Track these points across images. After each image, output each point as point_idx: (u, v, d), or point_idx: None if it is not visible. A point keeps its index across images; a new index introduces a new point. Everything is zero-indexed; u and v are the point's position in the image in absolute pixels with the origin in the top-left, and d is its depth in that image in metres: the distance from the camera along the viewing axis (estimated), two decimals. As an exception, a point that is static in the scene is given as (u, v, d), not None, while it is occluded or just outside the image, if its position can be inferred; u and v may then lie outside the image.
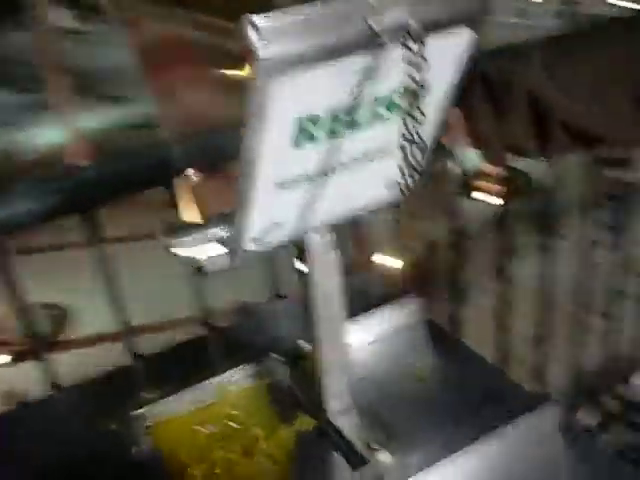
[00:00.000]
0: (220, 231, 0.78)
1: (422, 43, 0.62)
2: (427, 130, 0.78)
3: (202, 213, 0.89)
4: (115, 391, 1.20)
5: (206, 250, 0.78)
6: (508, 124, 0.88)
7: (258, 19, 0.56)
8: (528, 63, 0.90)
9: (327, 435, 0.99)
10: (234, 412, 1.06)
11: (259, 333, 1.30)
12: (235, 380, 1.11)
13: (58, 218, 1.11)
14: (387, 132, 0.76)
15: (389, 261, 2.45)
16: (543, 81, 0.87)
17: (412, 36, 0.61)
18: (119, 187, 1.14)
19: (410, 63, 0.63)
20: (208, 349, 1.30)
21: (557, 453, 0.99)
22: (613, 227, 2.31)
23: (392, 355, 1.10)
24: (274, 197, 0.74)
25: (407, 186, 0.86)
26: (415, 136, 0.68)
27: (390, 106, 0.72)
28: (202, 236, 0.78)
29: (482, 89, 0.88)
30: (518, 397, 1.08)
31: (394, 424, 0.99)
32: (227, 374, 1.11)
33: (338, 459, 0.96)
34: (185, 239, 0.77)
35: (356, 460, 0.93)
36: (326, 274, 0.90)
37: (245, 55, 0.58)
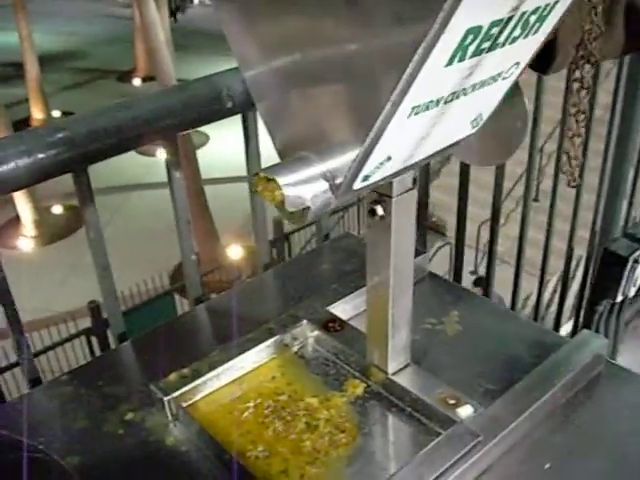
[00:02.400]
0: (325, 168, 0.69)
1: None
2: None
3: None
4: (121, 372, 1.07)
5: (311, 189, 0.69)
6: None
7: None
8: None
9: (391, 397, 0.94)
10: (274, 384, 0.97)
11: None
12: (261, 350, 1.01)
13: (50, 177, 0.96)
14: (511, 55, 0.71)
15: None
16: None
17: None
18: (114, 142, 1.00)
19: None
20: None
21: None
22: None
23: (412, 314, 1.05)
24: (403, 125, 0.66)
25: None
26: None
27: (524, 25, 0.67)
28: (307, 173, 0.69)
29: None
30: (550, 338, 1.07)
31: (449, 381, 0.95)
32: (249, 344, 1.01)
33: (410, 421, 0.91)
34: (289, 176, 0.68)
35: (442, 419, 0.87)
36: (405, 217, 0.84)
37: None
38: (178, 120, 1.06)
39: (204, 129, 12.00)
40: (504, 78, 0.76)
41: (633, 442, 0.91)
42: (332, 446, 0.87)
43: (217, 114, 1.10)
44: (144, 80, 15.49)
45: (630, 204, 2.67)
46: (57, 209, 10.02)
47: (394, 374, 0.94)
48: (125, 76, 15.24)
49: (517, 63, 0.76)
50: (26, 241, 10.11)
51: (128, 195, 11.06)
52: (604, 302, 2.53)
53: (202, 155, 9.97)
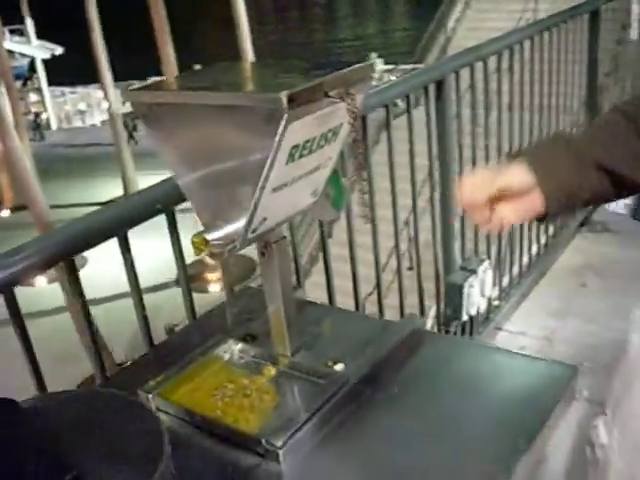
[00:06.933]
0: (232, 228, 1.26)
1: (354, 102, 1.19)
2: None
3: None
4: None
5: (225, 241, 1.25)
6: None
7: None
8: None
9: (293, 371, 1.48)
10: (219, 380, 1.48)
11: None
12: (206, 361, 1.53)
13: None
14: (324, 155, 1.31)
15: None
16: None
17: (352, 99, 1.18)
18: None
19: (350, 112, 1.19)
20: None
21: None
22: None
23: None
24: (269, 198, 1.24)
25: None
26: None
27: (324, 139, 1.27)
28: (223, 232, 1.25)
29: None
30: (382, 324, 1.64)
31: (328, 355, 1.50)
32: (198, 358, 1.53)
33: (307, 382, 1.44)
34: (214, 234, 1.24)
35: (326, 375, 1.42)
36: (283, 255, 1.41)
37: (279, 116, 1.10)
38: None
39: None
40: (324, 167, 1.36)
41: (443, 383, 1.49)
42: (262, 402, 1.40)
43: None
44: (12, 210, 15.55)
45: (462, 244, 3.38)
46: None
47: (293, 355, 1.49)
48: (-8, 210, 15.30)
49: (330, 158, 1.36)
50: None
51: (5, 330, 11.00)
52: (454, 323, 3.18)
53: (83, 277, 10.16)
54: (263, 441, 1.26)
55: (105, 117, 23.08)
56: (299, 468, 1.26)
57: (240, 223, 1.25)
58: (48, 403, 1.06)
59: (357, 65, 1.23)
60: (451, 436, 1.32)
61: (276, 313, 1.47)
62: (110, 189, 19.40)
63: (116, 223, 1.63)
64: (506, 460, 1.23)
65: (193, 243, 1.25)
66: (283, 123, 1.11)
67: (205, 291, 13.21)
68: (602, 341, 3.44)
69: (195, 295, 2.07)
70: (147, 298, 1.83)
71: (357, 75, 1.22)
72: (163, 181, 1.69)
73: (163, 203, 1.69)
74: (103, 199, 18.65)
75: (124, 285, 1.75)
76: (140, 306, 1.75)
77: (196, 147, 1.27)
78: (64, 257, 1.55)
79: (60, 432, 0.96)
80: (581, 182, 1.23)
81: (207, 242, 1.23)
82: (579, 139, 1.30)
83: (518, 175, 1.22)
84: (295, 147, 1.20)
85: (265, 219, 1.29)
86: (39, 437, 0.93)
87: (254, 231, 1.28)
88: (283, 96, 1.08)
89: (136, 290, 1.75)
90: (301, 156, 1.24)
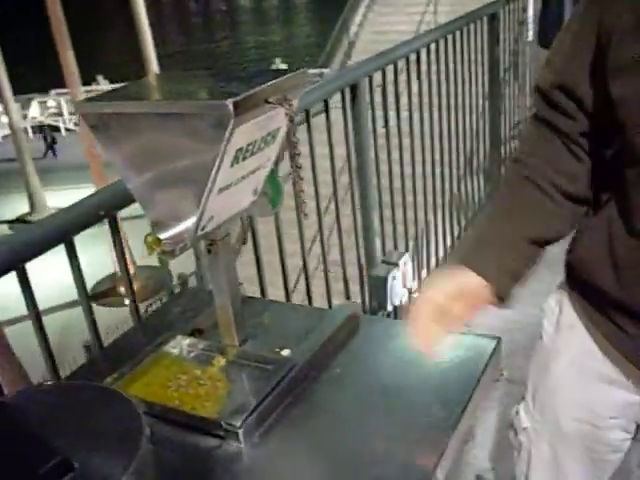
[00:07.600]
0: (183, 227, 1.35)
1: (292, 107, 1.30)
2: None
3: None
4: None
5: (176, 239, 1.34)
6: None
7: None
8: None
9: (241, 360, 1.58)
10: (172, 372, 1.57)
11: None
12: (158, 356, 1.61)
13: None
14: (264, 156, 1.42)
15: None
16: None
17: (290, 105, 1.29)
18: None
19: (288, 116, 1.31)
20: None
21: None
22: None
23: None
24: (215, 198, 1.34)
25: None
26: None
27: (263, 143, 1.38)
28: (174, 231, 1.34)
29: None
30: (322, 313, 1.76)
31: (274, 343, 1.61)
32: (151, 354, 1.61)
33: (256, 368, 1.55)
34: (166, 234, 1.33)
35: (274, 361, 1.53)
36: (227, 252, 1.51)
37: (226, 122, 1.20)
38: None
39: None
40: (263, 168, 1.47)
41: (386, 370, 1.62)
42: (216, 390, 1.49)
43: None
44: None
45: (382, 240, 3.54)
46: None
47: (240, 345, 1.59)
48: None
49: (269, 159, 1.47)
50: None
51: None
52: (380, 313, 3.34)
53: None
54: (223, 423, 1.36)
55: (7, 132, 22.38)
56: (257, 446, 1.36)
57: (189, 222, 1.34)
58: (28, 397, 1.13)
59: (293, 73, 1.34)
60: (391, 408, 1.45)
61: (223, 306, 1.56)
62: (19, 206, 18.89)
63: (63, 230, 1.69)
64: (443, 424, 1.37)
65: (147, 242, 1.33)
66: (229, 128, 1.21)
67: (121, 304, 13.03)
68: (519, 325, 3.65)
69: (111, 310, 2.14)
70: (58, 316, 1.86)
71: (293, 82, 1.34)
72: (105, 188, 1.77)
73: (105, 209, 1.76)
74: (11, 216, 18.15)
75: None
76: (89, 312, 1.81)
77: (146, 153, 1.35)
78: (15, 265, 1.60)
79: (43, 421, 1.03)
80: (522, 262, 1.42)
81: (160, 241, 1.32)
82: (504, 226, 1.45)
83: (468, 280, 1.40)
84: (239, 150, 1.30)
85: (212, 217, 1.38)
86: (23, 427, 1.01)
87: (203, 229, 1.38)
88: (229, 103, 1.19)
89: (84, 296, 1.82)
90: (244, 158, 1.34)
